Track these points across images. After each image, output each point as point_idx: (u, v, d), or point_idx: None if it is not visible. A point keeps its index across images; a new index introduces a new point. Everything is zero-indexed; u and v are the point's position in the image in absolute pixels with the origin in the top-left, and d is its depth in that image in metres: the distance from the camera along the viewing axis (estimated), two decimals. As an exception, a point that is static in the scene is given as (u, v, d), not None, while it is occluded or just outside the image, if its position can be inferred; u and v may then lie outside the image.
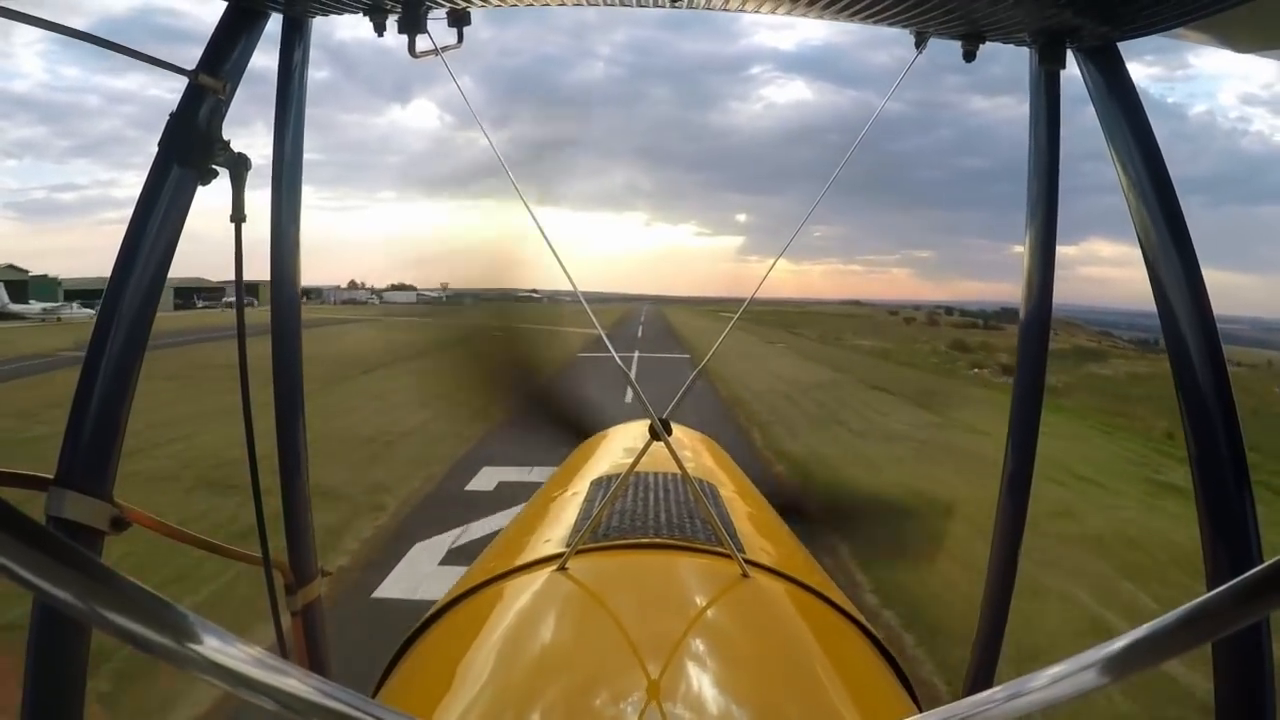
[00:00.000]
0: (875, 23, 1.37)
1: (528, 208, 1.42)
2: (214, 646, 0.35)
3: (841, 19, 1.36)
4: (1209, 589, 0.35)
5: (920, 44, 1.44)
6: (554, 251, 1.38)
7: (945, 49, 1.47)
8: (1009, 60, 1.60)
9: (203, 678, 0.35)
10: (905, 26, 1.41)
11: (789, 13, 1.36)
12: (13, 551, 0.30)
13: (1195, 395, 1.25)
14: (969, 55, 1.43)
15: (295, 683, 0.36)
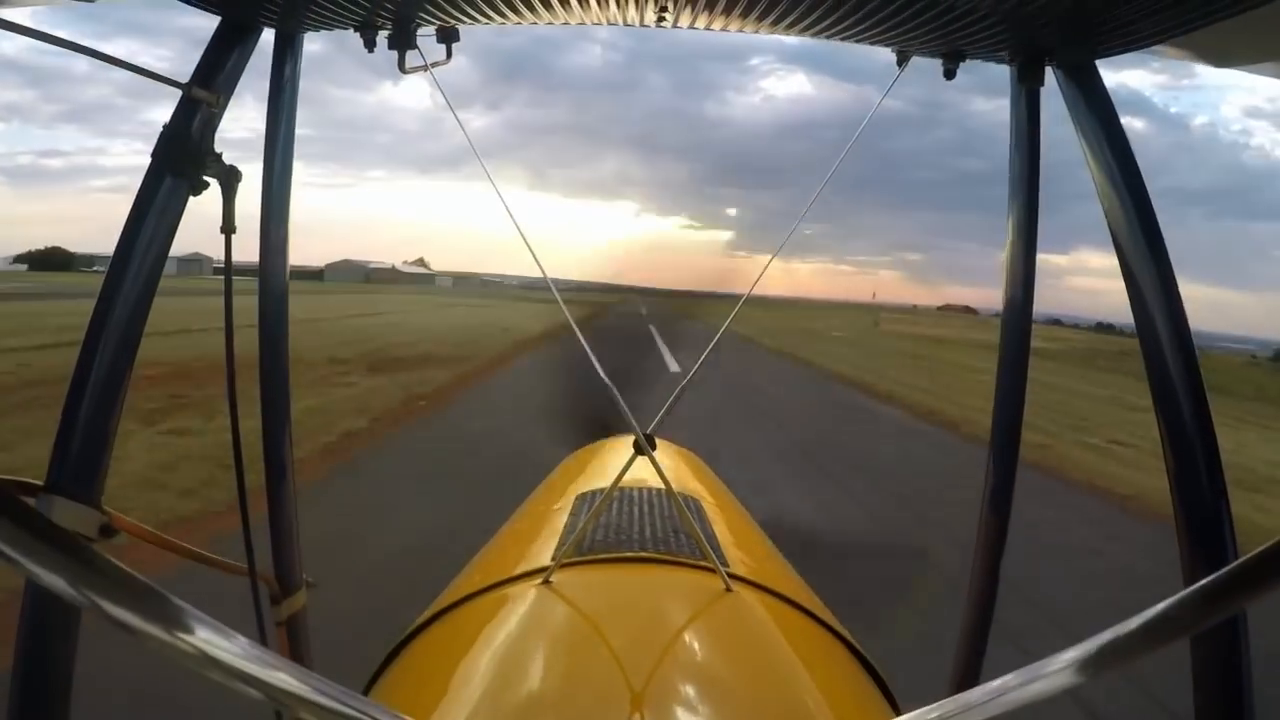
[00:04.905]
0: (857, 41, 1.39)
1: (497, 191, 1.44)
2: (205, 638, 0.35)
3: (823, 38, 1.38)
4: (1185, 587, 0.36)
5: (902, 63, 1.47)
6: (523, 236, 1.39)
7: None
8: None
9: (194, 669, 0.35)
10: (886, 45, 1.43)
11: (770, 30, 1.37)
12: (9, 536, 0.31)
13: (1171, 400, 1.28)
14: (949, 74, 1.46)
15: (287, 677, 0.37)
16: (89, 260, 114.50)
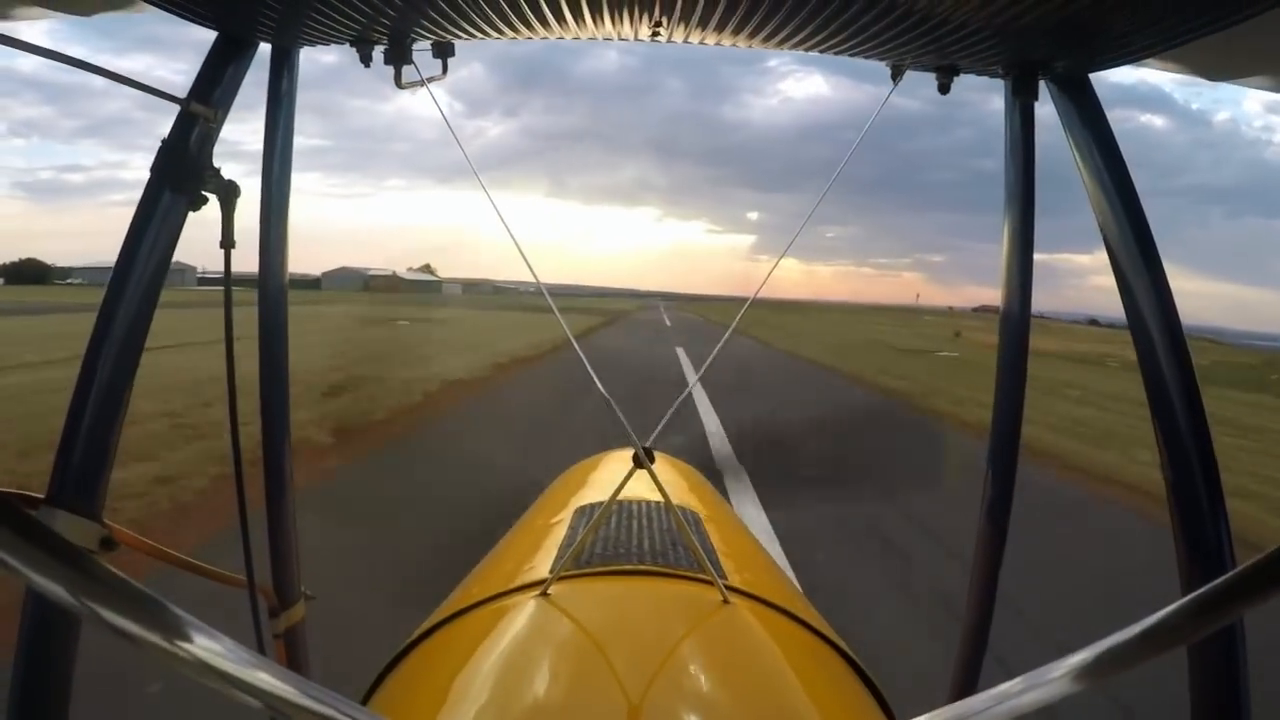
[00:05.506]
0: (851, 55, 1.39)
1: (488, 195, 1.48)
2: (203, 645, 0.36)
3: (817, 52, 1.38)
4: (1183, 594, 0.36)
5: (896, 77, 1.47)
6: (514, 239, 1.41)
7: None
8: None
9: (192, 676, 0.36)
10: (881, 59, 1.43)
11: (764, 45, 1.36)
12: (11, 547, 0.32)
13: (1167, 410, 1.28)
14: (943, 88, 1.46)
15: (284, 685, 0.37)
16: (64, 272, 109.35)
